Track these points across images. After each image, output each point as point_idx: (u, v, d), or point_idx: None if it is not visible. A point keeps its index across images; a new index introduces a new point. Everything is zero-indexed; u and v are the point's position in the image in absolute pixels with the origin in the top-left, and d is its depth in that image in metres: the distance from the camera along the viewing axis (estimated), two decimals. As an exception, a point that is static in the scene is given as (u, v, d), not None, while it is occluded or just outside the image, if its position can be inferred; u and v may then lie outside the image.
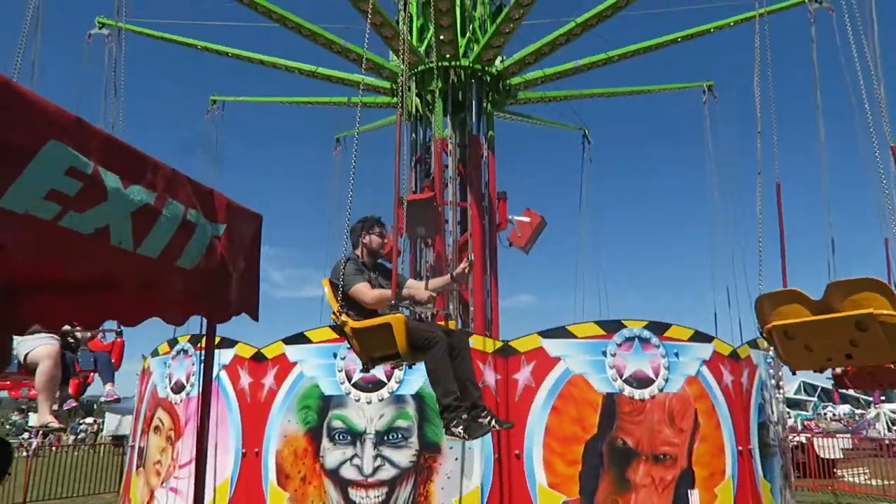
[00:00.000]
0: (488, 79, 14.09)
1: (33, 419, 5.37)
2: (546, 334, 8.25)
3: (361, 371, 6.05)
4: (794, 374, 5.73)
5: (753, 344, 9.41)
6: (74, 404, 6.13)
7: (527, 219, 14.27)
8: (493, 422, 5.28)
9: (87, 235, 2.38)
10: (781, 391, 11.12)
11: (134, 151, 2.71)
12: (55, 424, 5.58)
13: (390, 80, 14.73)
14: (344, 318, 5.39)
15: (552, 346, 8.19)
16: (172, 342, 9.71)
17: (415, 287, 6.00)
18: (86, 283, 2.90)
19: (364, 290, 5.50)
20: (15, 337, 5.29)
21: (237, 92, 18.05)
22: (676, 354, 8.38)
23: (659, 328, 8.41)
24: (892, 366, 7.66)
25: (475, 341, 8.04)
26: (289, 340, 8.69)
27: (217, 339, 4.58)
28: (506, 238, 14.35)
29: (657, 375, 8.19)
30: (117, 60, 12.34)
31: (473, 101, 13.94)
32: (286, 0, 13.75)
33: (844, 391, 10.07)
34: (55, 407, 5.67)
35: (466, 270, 5.88)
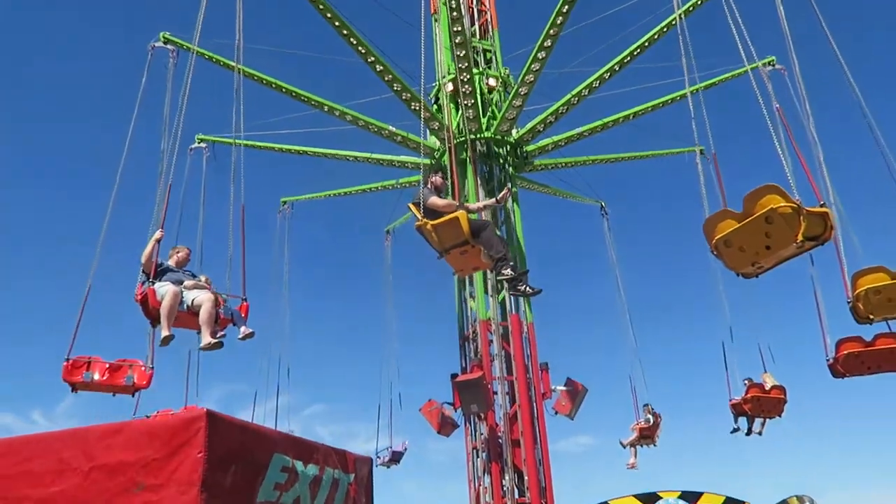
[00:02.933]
0: (507, 148, 16.28)
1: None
2: (591, 509, 9.39)
3: (438, 258, 9.22)
4: (738, 275, 7.73)
5: (785, 504, 10.31)
6: (223, 334, 8.43)
7: (569, 388, 15.55)
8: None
9: (289, 505, 4.08)
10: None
11: (305, 442, 4.47)
12: (214, 341, 8.02)
13: (430, 156, 16.73)
14: (425, 221, 8.76)
15: (598, 520, 9.31)
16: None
17: (469, 204, 9.55)
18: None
19: (437, 200, 8.99)
20: (182, 291, 8.14)
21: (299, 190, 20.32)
22: (711, 521, 9.39)
23: (692, 497, 9.50)
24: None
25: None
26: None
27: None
28: (551, 407, 15.57)
29: (695, 542, 9.19)
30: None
31: (496, 168, 15.99)
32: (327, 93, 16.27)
33: (840, 378, 10.71)
34: (213, 334, 8.10)
35: (508, 196, 9.52)
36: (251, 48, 12.60)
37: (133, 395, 11.40)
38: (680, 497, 9.29)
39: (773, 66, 13.24)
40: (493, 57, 17.73)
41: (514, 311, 15.87)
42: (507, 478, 14.24)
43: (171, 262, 8.77)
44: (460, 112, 16.23)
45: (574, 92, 15.66)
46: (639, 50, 15.06)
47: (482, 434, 15.19)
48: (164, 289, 8.16)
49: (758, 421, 15.95)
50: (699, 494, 9.40)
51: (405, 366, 21.03)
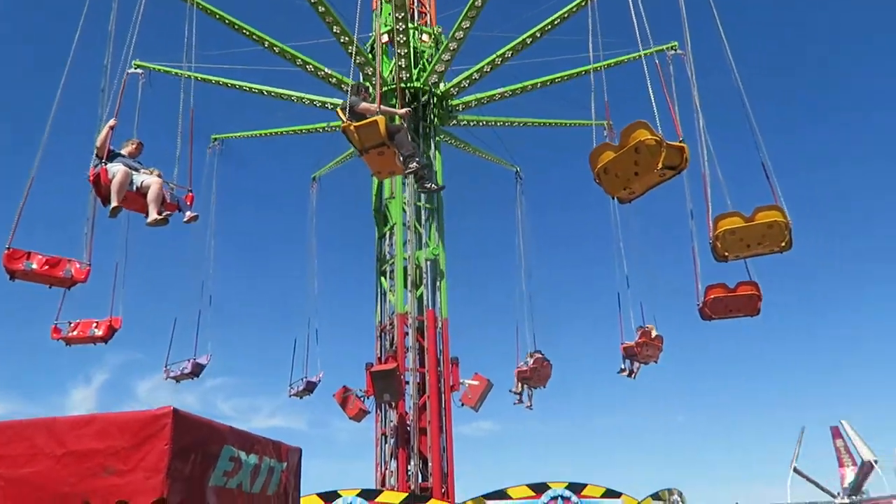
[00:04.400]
0: (434, 99, 17.29)
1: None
2: (490, 496, 10.45)
3: (358, 156, 10.50)
4: (613, 198, 9.20)
5: (656, 496, 11.72)
6: (169, 213, 9.28)
7: (475, 382, 16.61)
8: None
9: (234, 489, 4.75)
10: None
11: (249, 435, 5.13)
12: (160, 217, 9.00)
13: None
14: (349, 122, 10.00)
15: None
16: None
17: (385, 107, 11.01)
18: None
19: (363, 104, 10.33)
20: (132, 173, 9.03)
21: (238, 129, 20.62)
22: (592, 509, 10.61)
23: (577, 488, 10.70)
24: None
25: None
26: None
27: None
28: (458, 399, 16.60)
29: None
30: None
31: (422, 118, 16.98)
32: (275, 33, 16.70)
33: (707, 321, 12.63)
34: (159, 213, 9.05)
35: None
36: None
37: (69, 289, 12.03)
38: (567, 488, 10.42)
39: (675, 50, 14.35)
40: (428, 15, 18.78)
41: (430, 307, 16.81)
42: (412, 463, 15.18)
43: (124, 152, 9.44)
44: (393, 61, 17.04)
45: (498, 53, 16.81)
46: (558, 21, 16.09)
47: (392, 421, 16.05)
48: (116, 167, 8.99)
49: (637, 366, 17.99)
50: (584, 485, 10.57)
51: (323, 324, 21.11)
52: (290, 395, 19.57)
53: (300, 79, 17.96)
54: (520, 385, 19.36)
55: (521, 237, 20.95)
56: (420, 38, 17.97)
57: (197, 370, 17.55)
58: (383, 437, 16.22)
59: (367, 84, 15.73)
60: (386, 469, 15.81)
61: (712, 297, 12.08)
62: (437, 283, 17.20)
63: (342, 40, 15.75)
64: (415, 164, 10.68)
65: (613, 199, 9.33)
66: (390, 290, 17.07)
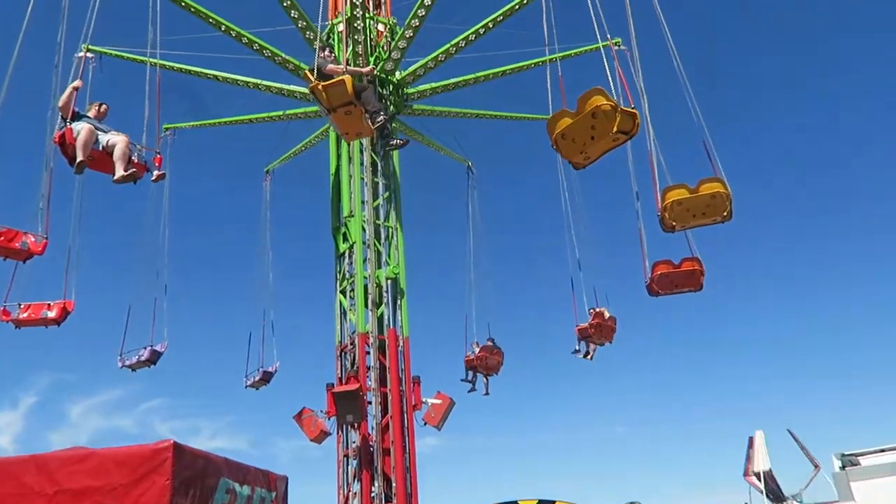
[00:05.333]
0: (390, 88, 17.32)
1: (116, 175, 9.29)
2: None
3: (326, 115, 11.29)
4: (575, 168, 9.81)
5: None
6: (135, 170, 9.46)
7: (438, 401, 16.64)
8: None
9: (230, 521, 4.66)
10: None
11: (242, 466, 5.06)
12: (127, 173, 9.18)
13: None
14: (318, 82, 10.57)
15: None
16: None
17: (351, 68, 11.94)
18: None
19: (331, 66, 11.12)
20: (98, 132, 9.21)
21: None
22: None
23: (546, 504, 10.82)
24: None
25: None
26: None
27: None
28: (421, 418, 16.55)
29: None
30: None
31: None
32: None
33: (655, 297, 13.62)
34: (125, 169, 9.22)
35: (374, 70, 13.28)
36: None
37: (24, 262, 11.99)
38: (537, 504, 10.54)
39: (619, 45, 15.03)
40: (383, 5, 19.01)
41: (391, 326, 16.75)
42: (376, 484, 15.03)
43: (90, 114, 9.51)
44: (350, 48, 17.13)
45: (452, 42, 17.08)
46: (508, 13, 16.42)
47: (354, 442, 15.87)
48: (80, 125, 9.05)
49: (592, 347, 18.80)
50: (552, 501, 10.71)
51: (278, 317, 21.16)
52: (245, 386, 19.90)
53: (253, 67, 18.00)
54: (470, 373, 19.85)
55: (471, 231, 21.59)
56: (376, 28, 18.14)
57: (154, 357, 17.32)
58: (345, 459, 16.02)
59: (332, 44, 16.70)
60: (349, 491, 15.61)
61: (659, 273, 12.81)
62: (398, 302, 17.18)
63: (300, 25, 15.90)
64: (381, 117, 11.37)
65: (571, 165, 9.91)
66: (350, 310, 16.96)
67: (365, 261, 16.94)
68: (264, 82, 18.23)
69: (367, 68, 13.25)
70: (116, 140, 9.28)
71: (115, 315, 18.30)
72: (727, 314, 47.03)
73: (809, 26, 49.57)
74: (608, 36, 11.69)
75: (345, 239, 17.59)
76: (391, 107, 17.49)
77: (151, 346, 17.27)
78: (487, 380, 20.03)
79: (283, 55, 16.89)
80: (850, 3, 49.10)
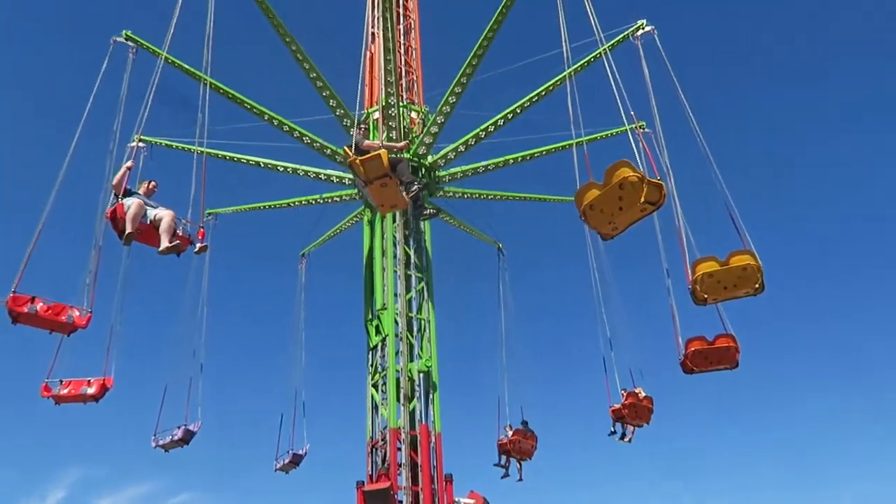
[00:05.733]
0: (423, 170, 17.86)
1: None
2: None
3: (363, 188, 12.52)
4: (603, 239, 9.97)
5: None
6: (178, 243, 10.16)
7: (471, 501, 16.42)
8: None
9: None
10: None
11: None
12: (172, 245, 9.85)
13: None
14: (355, 157, 11.34)
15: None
16: None
17: (388, 143, 12.96)
18: None
19: (367, 141, 11.92)
20: (147, 207, 9.98)
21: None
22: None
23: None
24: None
25: None
26: None
27: None
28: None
29: None
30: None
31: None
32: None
33: (690, 374, 12.92)
34: (170, 241, 9.92)
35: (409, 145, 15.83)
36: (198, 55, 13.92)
37: (69, 335, 12.28)
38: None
39: (644, 129, 15.96)
40: (416, 94, 20.13)
41: (423, 421, 16.42)
42: None
43: (140, 191, 10.38)
44: (385, 134, 17.97)
45: (482, 127, 18.03)
46: (535, 98, 17.41)
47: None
48: (131, 201, 9.90)
49: (629, 430, 18.04)
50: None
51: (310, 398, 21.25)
52: (275, 469, 19.59)
53: (290, 154, 19.04)
54: (503, 458, 19.16)
55: (502, 312, 21.80)
56: (409, 115, 19.10)
57: (187, 437, 17.42)
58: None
59: (368, 125, 17.93)
60: None
61: (693, 349, 12.59)
62: (430, 396, 16.92)
63: (338, 113, 17.18)
64: (416, 187, 12.23)
65: (599, 236, 10.18)
66: (382, 404, 16.77)
67: (397, 354, 16.78)
68: (303, 167, 19.12)
69: (402, 143, 14.36)
70: (163, 214, 10.01)
71: (150, 392, 18.45)
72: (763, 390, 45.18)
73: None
74: (634, 118, 12.26)
75: (377, 331, 17.49)
76: (424, 179, 17.98)
77: (185, 424, 17.35)
78: (521, 465, 19.38)
79: (322, 141, 17.92)
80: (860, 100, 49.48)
